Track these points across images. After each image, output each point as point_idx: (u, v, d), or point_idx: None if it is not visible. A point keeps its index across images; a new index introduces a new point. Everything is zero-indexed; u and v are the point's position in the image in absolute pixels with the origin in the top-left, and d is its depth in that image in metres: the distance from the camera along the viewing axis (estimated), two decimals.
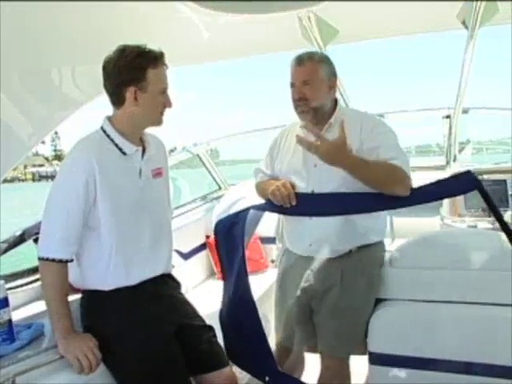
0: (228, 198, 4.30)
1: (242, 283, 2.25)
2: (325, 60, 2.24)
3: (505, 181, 3.53)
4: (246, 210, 2.35)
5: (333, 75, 2.24)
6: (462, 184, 2.05)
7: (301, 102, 2.19)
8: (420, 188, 2.04)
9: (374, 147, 2.11)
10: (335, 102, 2.29)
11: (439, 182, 2.06)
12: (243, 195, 4.03)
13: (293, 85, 2.21)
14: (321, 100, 2.20)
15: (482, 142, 5.88)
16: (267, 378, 2.21)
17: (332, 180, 2.16)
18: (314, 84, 2.17)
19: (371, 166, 2.04)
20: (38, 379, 1.65)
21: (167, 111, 1.96)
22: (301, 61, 2.20)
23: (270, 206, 2.25)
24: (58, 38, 2.22)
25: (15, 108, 2.18)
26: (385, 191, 2.04)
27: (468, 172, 2.04)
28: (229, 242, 2.32)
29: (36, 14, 1.98)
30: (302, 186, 2.22)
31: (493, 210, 2.02)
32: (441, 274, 2.17)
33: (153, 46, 1.88)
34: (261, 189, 2.39)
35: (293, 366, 2.42)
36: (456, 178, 2.08)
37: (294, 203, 2.16)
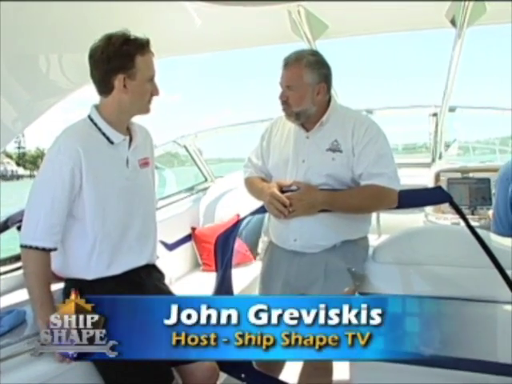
0: (214, 189, 4.30)
1: (226, 278, 2.26)
2: (314, 64, 2.18)
3: (489, 179, 3.58)
4: (243, 219, 2.44)
5: (322, 80, 2.19)
6: (436, 196, 2.35)
7: (284, 106, 2.20)
8: (401, 195, 2.16)
9: (363, 157, 2.13)
10: (328, 101, 2.26)
11: (418, 191, 2.34)
12: (230, 187, 4.04)
13: (280, 85, 2.21)
14: (304, 106, 2.18)
15: (468, 142, 5.94)
16: (243, 375, 2.21)
17: (318, 176, 2.18)
18: (296, 90, 2.16)
19: (349, 196, 2.16)
20: (18, 366, 1.65)
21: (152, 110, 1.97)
22: (287, 63, 2.18)
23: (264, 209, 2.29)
24: (45, 25, 2.20)
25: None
26: (372, 212, 2.21)
27: (439, 187, 2.43)
28: (225, 249, 2.34)
29: (23, 1, 1.96)
30: (288, 180, 2.23)
31: (464, 219, 2.12)
32: (423, 270, 2.19)
33: (139, 34, 1.87)
34: (250, 188, 2.41)
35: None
36: (430, 190, 2.45)
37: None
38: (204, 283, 2.40)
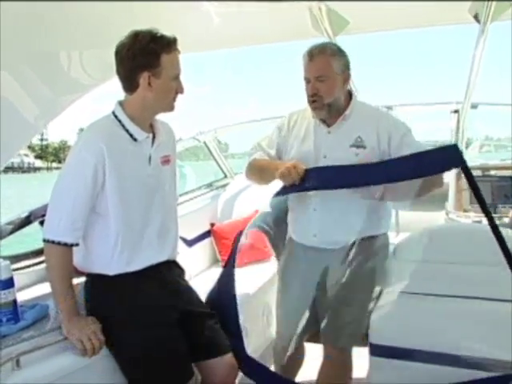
0: (234, 186, 4.31)
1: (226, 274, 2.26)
2: (337, 53, 2.19)
3: (511, 177, 3.52)
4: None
5: (346, 68, 2.21)
6: (445, 159, 1.95)
7: (314, 98, 2.16)
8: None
9: (402, 146, 2.15)
10: (349, 93, 2.27)
11: (421, 154, 2.02)
12: (249, 184, 4.03)
13: (307, 80, 2.18)
14: (335, 95, 2.17)
15: (490, 139, 5.86)
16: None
17: None
18: (327, 80, 2.14)
19: None
20: (41, 359, 1.67)
21: (179, 102, 1.97)
22: (312, 55, 2.16)
23: (285, 189, 2.17)
24: (68, 21, 2.22)
25: (22, 90, 2.18)
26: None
27: (454, 146, 2.00)
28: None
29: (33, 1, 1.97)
30: None
31: (476, 194, 1.92)
32: (444, 268, 2.17)
33: (164, 31, 1.87)
34: (258, 166, 2.34)
35: (294, 356, 2.43)
36: (440, 151, 2.02)
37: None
38: None
